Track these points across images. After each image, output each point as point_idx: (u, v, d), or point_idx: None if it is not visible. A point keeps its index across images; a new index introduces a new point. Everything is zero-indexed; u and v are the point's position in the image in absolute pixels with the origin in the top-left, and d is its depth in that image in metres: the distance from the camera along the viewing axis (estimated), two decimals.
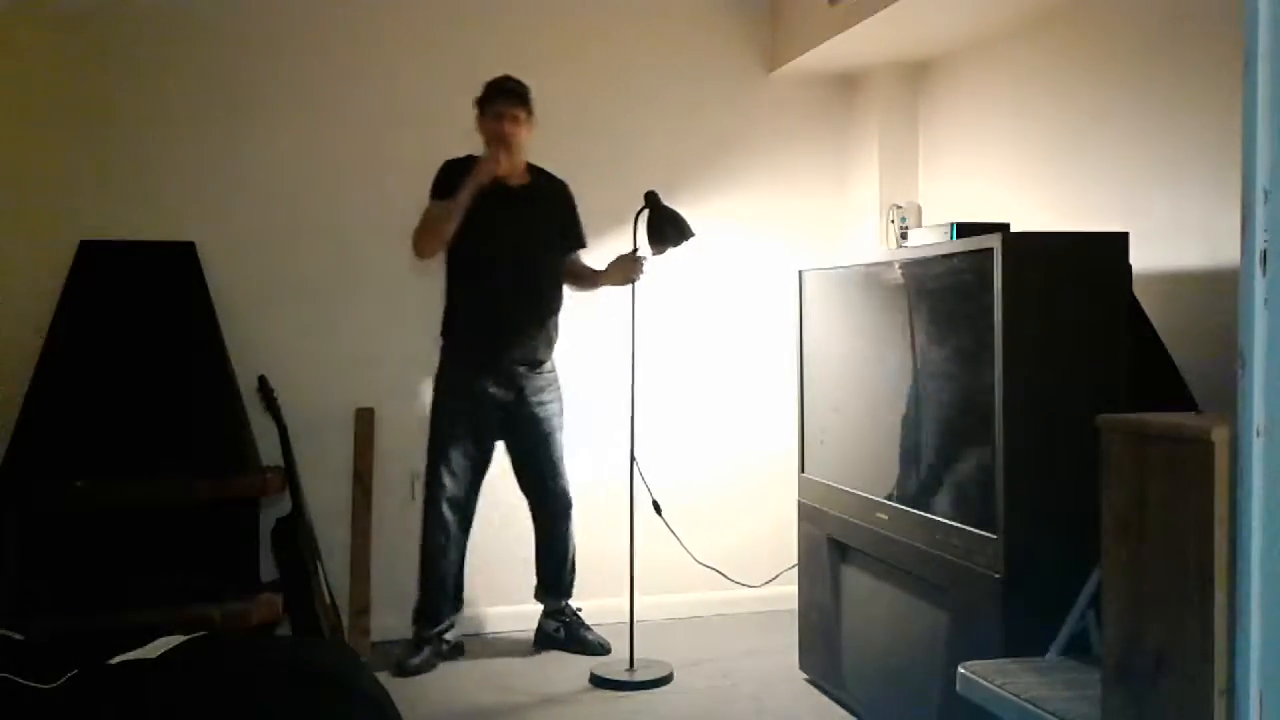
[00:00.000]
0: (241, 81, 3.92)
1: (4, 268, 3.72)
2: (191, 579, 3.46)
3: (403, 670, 3.59)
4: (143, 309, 3.68)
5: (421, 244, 3.62)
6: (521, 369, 3.69)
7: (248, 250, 3.90)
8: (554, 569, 3.87)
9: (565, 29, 4.19)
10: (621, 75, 4.24)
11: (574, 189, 3.85)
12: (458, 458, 3.69)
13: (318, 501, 3.88)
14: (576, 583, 3.94)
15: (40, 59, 3.78)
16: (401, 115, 4.05)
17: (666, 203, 3.71)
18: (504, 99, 3.61)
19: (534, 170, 3.76)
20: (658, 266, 3.94)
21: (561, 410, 3.81)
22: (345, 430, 3.97)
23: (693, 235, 3.70)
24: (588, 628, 3.86)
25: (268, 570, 3.67)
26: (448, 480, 3.68)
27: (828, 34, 3.85)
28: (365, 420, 3.96)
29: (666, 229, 3.66)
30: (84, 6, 3.79)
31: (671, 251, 3.71)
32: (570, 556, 3.86)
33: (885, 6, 3.44)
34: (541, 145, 4.02)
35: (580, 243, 3.84)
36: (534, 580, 3.92)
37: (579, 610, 3.89)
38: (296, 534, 3.62)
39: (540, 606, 3.93)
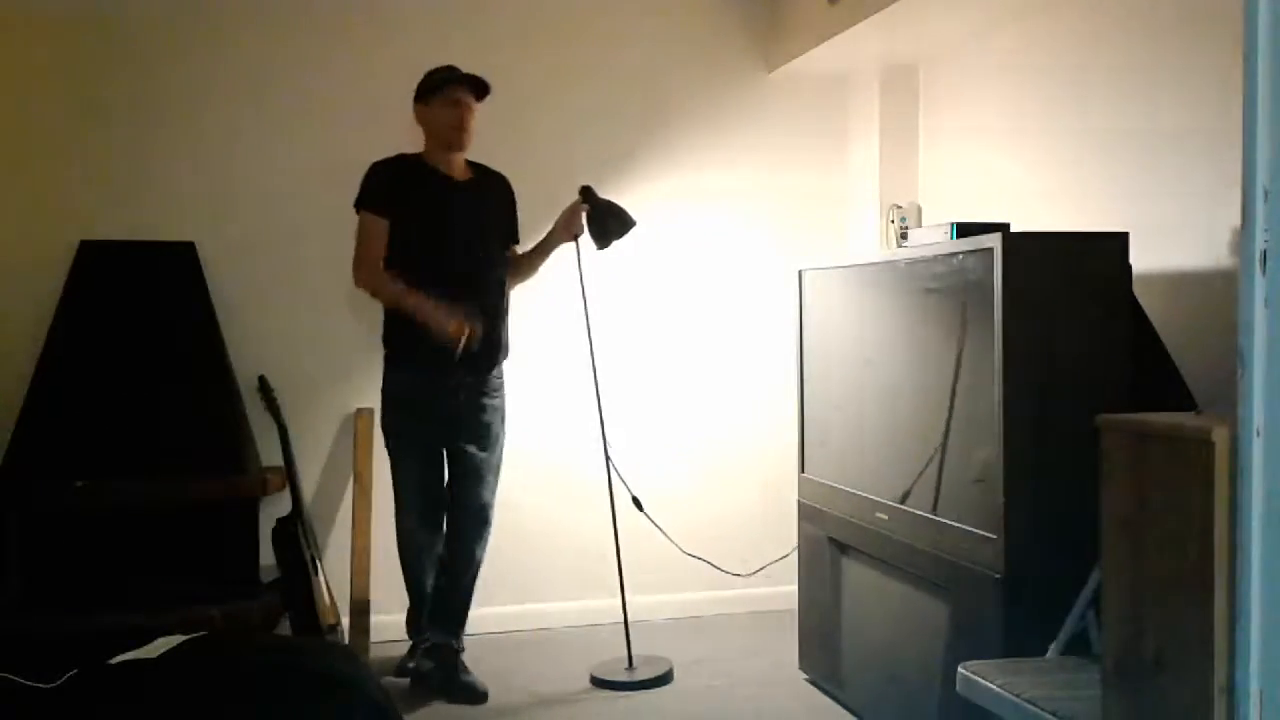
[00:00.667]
0: (242, 81, 3.92)
1: (4, 268, 3.72)
2: (192, 579, 3.47)
3: (402, 672, 3.59)
4: (143, 309, 3.68)
5: (362, 280, 3.38)
6: (469, 377, 3.41)
7: (248, 250, 3.90)
8: (455, 594, 3.51)
9: (564, 29, 4.18)
10: (620, 75, 4.24)
11: (572, 189, 3.84)
12: (415, 468, 3.48)
13: (318, 501, 3.88)
14: (575, 583, 3.94)
15: (40, 59, 3.78)
16: (402, 115, 4.03)
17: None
18: (461, 85, 3.37)
19: (474, 167, 3.55)
20: (651, 263, 3.94)
21: (503, 420, 3.55)
22: (345, 430, 3.98)
23: (634, 224, 3.57)
24: (467, 670, 3.46)
25: (268, 570, 3.67)
26: (410, 492, 3.48)
27: (827, 34, 3.84)
28: (365, 420, 3.96)
29: (608, 222, 3.53)
30: (84, 6, 3.79)
31: (616, 244, 3.58)
32: (469, 583, 3.51)
33: (885, 6, 3.44)
34: (539, 144, 4.01)
35: (515, 238, 3.63)
36: (521, 579, 3.89)
37: (462, 650, 3.52)
38: (296, 534, 3.62)
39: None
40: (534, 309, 4.03)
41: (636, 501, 3.85)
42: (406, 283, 3.34)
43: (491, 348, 3.44)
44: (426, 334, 3.28)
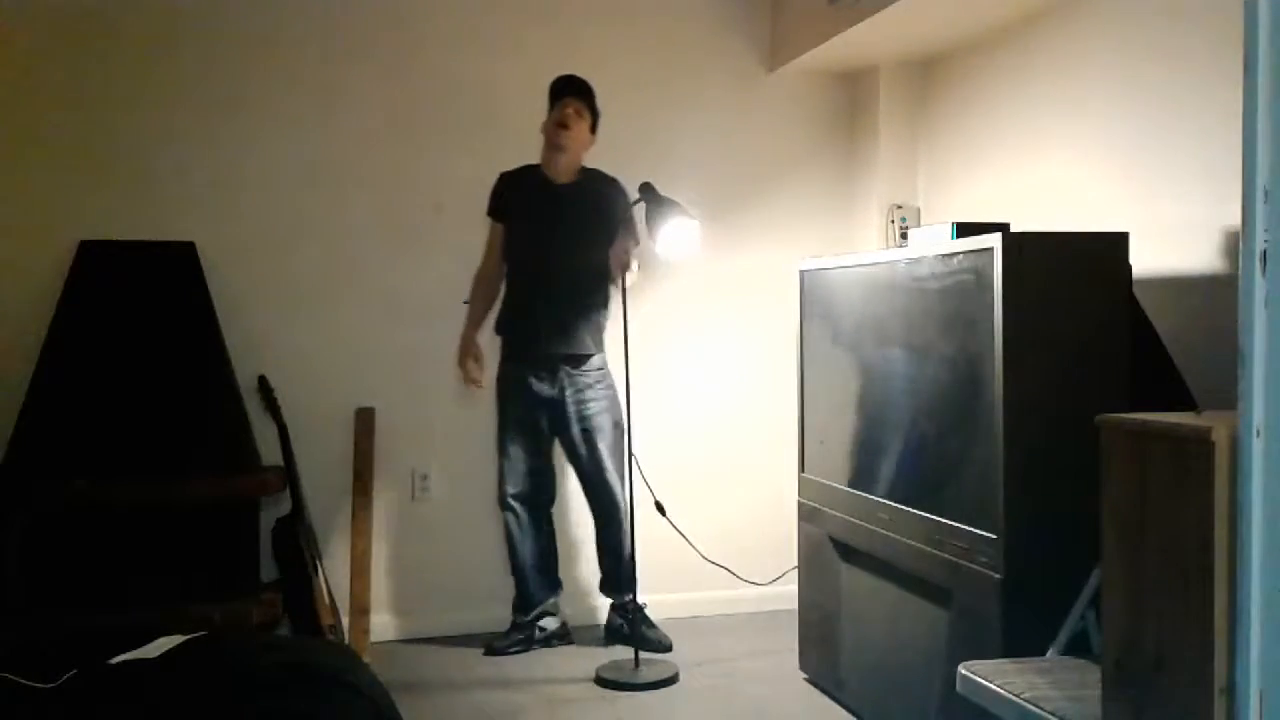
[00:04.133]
0: (242, 81, 3.92)
1: (4, 268, 3.72)
2: (191, 579, 3.46)
3: (492, 650, 3.78)
4: (143, 309, 3.68)
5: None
6: (564, 366, 3.74)
7: (248, 250, 3.90)
8: (609, 565, 3.88)
9: (564, 28, 4.18)
10: (620, 74, 4.23)
11: None
12: (515, 453, 3.78)
13: (318, 501, 3.89)
14: (581, 583, 3.95)
15: (40, 59, 3.78)
16: (401, 114, 4.05)
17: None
18: (567, 90, 3.73)
19: (586, 171, 3.81)
20: (662, 266, 3.95)
21: (612, 408, 3.80)
22: (345, 430, 3.97)
23: (694, 221, 3.68)
24: (651, 624, 3.88)
25: (268, 570, 3.67)
26: (508, 476, 3.79)
27: (827, 34, 3.85)
28: (365, 420, 3.96)
29: (669, 219, 3.60)
30: (84, 6, 3.79)
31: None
32: (624, 554, 3.79)
33: (885, 7, 3.44)
34: (537, 145, 4.00)
35: (611, 237, 3.77)
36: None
37: (644, 606, 3.86)
38: (296, 534, 3.62)
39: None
40: None
41: (659, 506, 3.86)
42: (506, 274, 3.82)
43: (577, 337, 3.73)
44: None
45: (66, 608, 3.35)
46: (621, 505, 3.80)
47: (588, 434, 3.77)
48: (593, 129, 3.79)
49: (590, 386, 3.77)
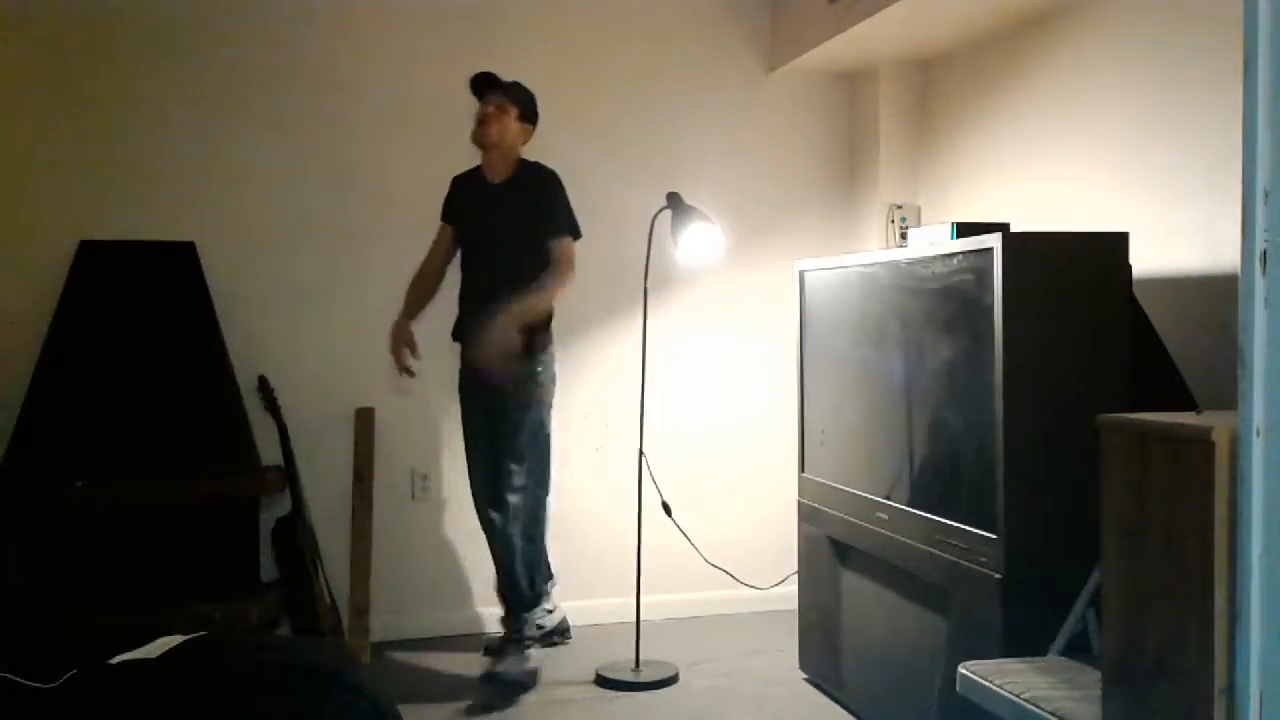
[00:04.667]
0: (242, 81, 3.91)
1: (4, 268, 3.72)
2: (192, 579, 3.46)
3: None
4: (143, 309, 3.68)
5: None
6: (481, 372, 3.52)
7: (248, 250, 3.90)
8: (498, 575, 3.67)
9: (566, 30, 4.18)
10: (621, 75, 4.24)
11: (575, 190, 3.84)
12: (478, 457, 3.66)
13: (318, 501, 3.89)
14: (580, 582, 3.95)
15: (40, 59, 3.78)
16: (403, 116, 4.04)
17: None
18: (483, 87, 3.66)
19: (522, 165, 3.67)
20: (665, 266, 3.94)
21: (537, 405, 3.56)
22: (345, 430, 3.97)
23: (716, 226, 3.71)
24: (523, 653, 3.59)
25: (268, 570, 3.68)
26: (476, 480, 3.68)
27: (827, 34, 3.85)
28: (365, 420, 3.96)
29: (692, 228, 3.63)
30: (84, 7, 3.79)
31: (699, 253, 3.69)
32: (510, 565, 3.57)
33: (884, 7, 3.44)
34: (543, 146, 4.01)
35: (551, 230, 3.58)
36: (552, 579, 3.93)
37: (514, 638, 3.62)
38: (296, 534, 3.63)
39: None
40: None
41: (666, 507, 3.86)
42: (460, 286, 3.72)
43: (488, 343, 3.44)
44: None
45: (66, 608, 3.35)
46: (510, 503, 3.52)
47: (507, 426, 3.53)
48: (527, 119, 3.67)
49: (523, 382, 3.53)
